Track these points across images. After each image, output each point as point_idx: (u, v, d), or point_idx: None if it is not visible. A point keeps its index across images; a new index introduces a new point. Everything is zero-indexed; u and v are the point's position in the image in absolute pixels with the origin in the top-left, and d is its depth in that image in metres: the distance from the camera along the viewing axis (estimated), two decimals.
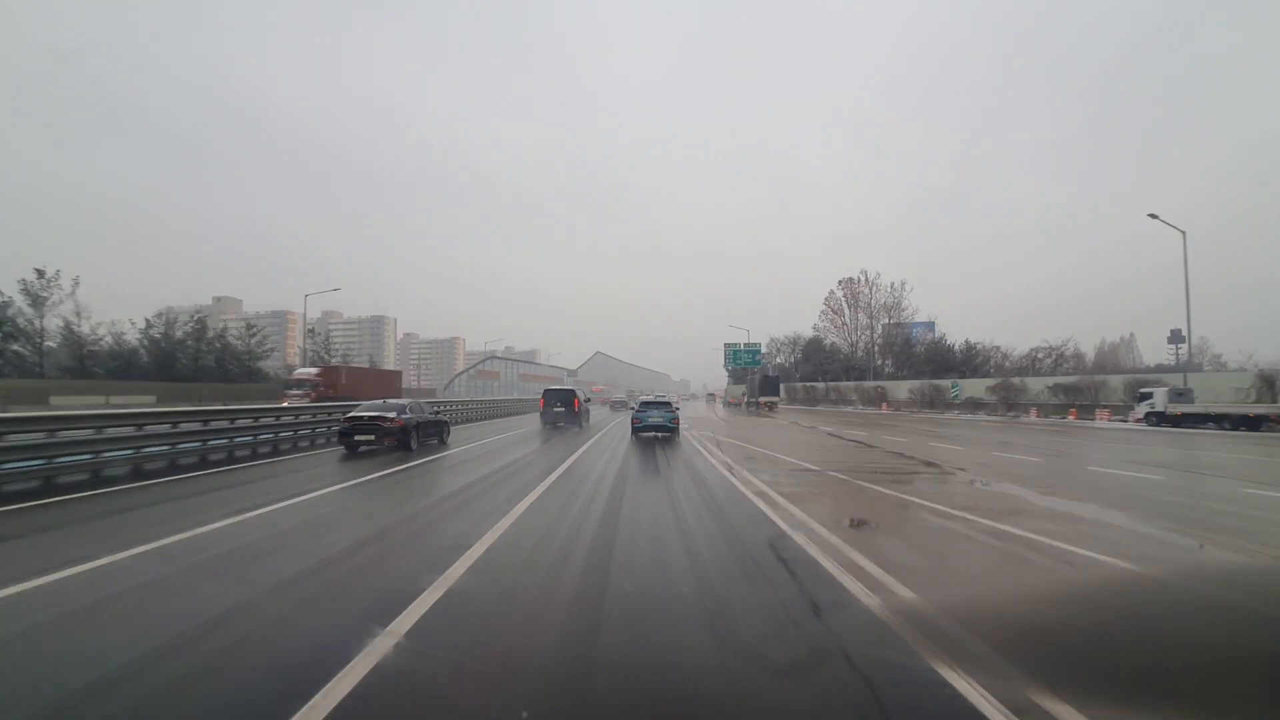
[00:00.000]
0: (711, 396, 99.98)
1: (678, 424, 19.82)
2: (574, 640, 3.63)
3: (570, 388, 29.35)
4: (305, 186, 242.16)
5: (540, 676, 3.18)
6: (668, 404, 20.75)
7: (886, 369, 62.53)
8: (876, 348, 63.55)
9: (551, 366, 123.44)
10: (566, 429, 22.74)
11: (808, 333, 75.69)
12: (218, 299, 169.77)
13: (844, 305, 68.54)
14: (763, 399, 53.21)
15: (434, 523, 7.28)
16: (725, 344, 75.08)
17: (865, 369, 63.55)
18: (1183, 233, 30.07)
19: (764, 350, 76.02)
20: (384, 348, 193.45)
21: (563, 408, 24.67)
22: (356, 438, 14.38)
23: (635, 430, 19.36)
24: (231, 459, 12.61)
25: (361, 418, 14.53)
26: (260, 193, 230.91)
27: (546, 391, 26.23)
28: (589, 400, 34.12)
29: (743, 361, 75.09)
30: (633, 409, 21.49)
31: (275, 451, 14.25)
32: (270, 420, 15.29)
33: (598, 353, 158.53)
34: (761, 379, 57.62)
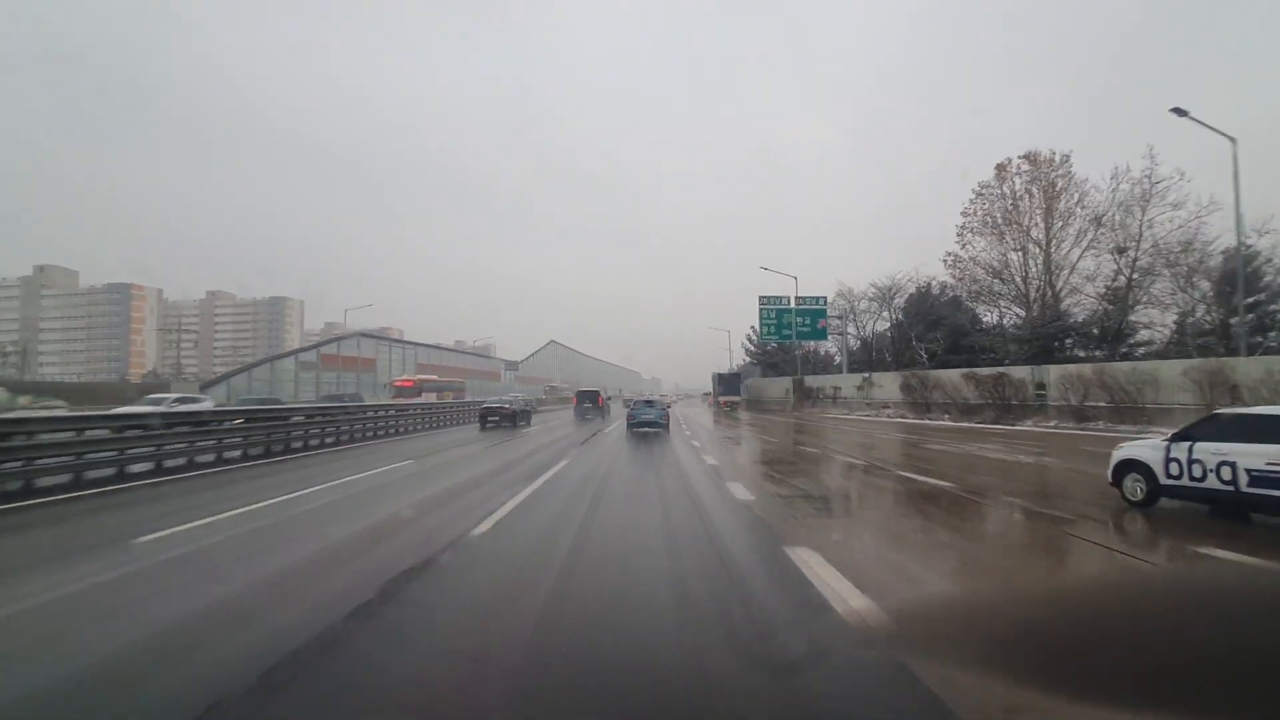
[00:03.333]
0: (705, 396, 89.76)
1: (668, 420, 22.44)
2: (619, 454, 14.40)
3: (596, 389, 37.52)
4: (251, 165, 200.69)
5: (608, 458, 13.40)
6: (656, 403, 23.54)
7: (1145, 334, 28.09)
8: (1138, 282, 28.75)
9: (475, 354, 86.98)
10: (593, 419, 29.91)
11: (924, 273, 41.08)
12: (40, 268, 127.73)
13: (1004, 218, 33.82)
14: (723, 399, 48.02)
15: (548, 445, 16.72)
16: (760, 300, 39.86)
17: (1071, 332, 29.08)
18: (1232, 140, 18.82)
19: (832, 312, 41.11)
20: (282, 335, 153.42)
21: (590, 404, 33.12)
22: (489, 419, 25.03)
23: (630, 426, 21.52)
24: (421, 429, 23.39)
25: (491, 407, 25.85)
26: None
27: (579, 392, 36.15)
28: (609, 398, 45.63)
29: (790, 332, 39.89)
30: (628, 408, 24.78)
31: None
32: None
33: (551, 342, 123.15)
34: (719, 378, 53.14)
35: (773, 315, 39.34)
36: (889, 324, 41.04)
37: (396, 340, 66.70)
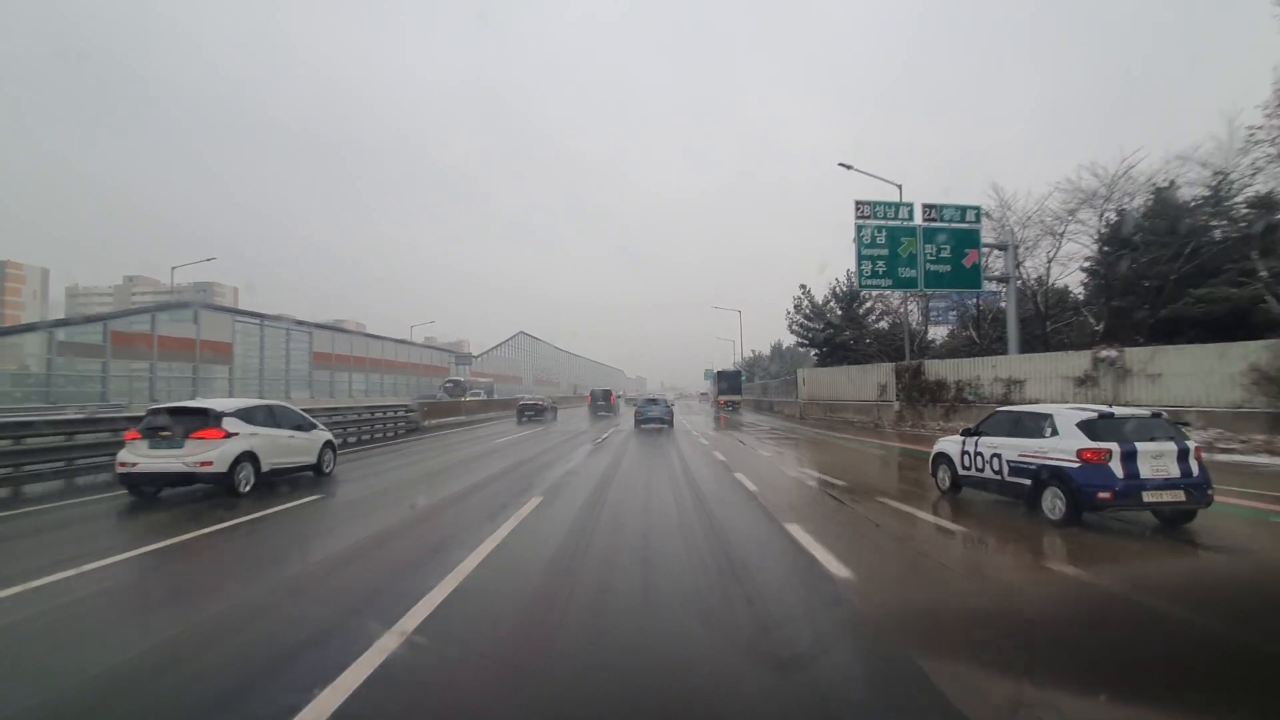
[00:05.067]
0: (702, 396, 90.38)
1: (672, 417, 24.31)
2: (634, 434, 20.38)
3: (609, 388, 40.57)
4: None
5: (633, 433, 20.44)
6: (662, 402, 25.19)
7: None
8: None
9: (408, 344, 66.83)
10: (607, 416, 32.90)
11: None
12: None
13: None
14: (723, 398, 45.82)
15: (586, 428, 23.94)
16: (857, 211, 20.40)
17: None
18: None
19: (988, 221, 21.96)
20: (203, 325, 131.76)
21: (604, 403, 36.08)
22: (526, 413, 30.18)
23: (638, 423, 23.56)
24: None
25: (528, 404, 31.61)
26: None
27: (593, 391, 39.27)
28: (619, 398, 46.14)
29: (914, 274, 20.54)
30: (634, 406, 27.69)
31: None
32: None
33: (520, 333, 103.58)
34: (720, 375, 52.16)
35: (880, 240, 20.11)
36: (1096, 250, 21.80)
37: (270, 316, 46.87)
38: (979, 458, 7.48)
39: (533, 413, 30.16)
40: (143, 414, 8.92)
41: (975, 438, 7.66)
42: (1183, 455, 6.05)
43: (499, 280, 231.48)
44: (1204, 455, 6.38)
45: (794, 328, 33.78)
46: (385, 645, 3.34)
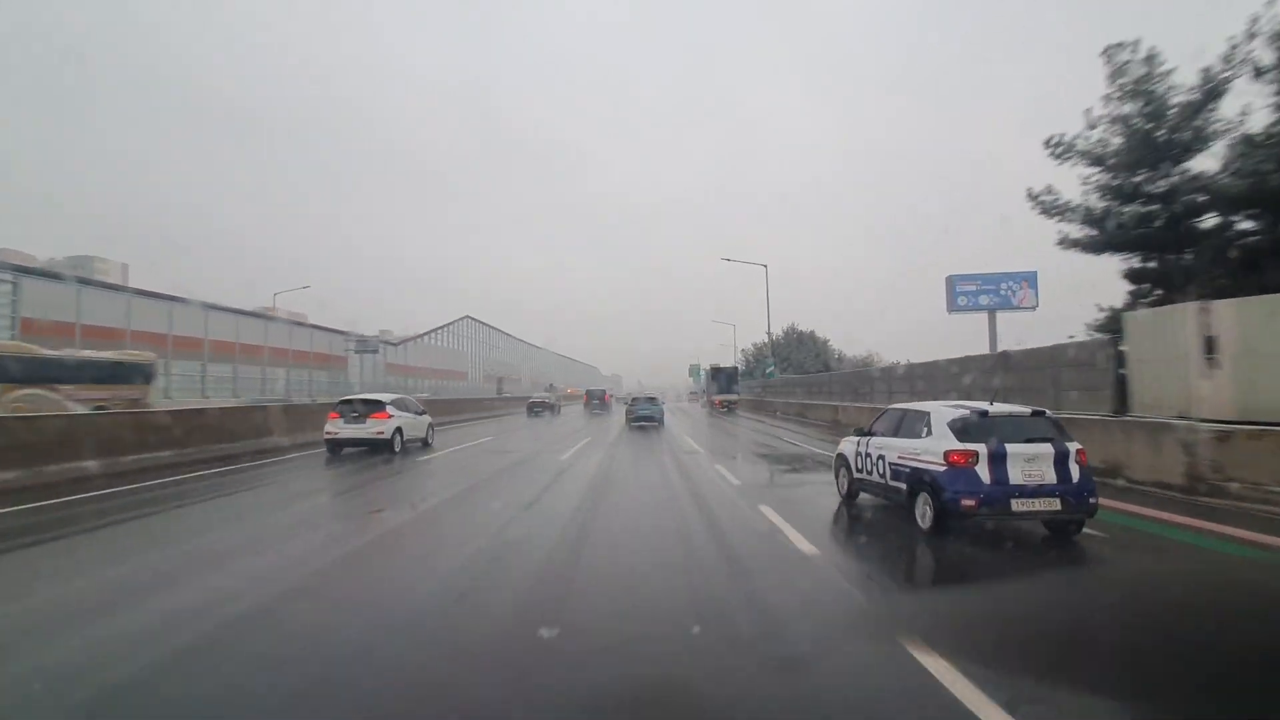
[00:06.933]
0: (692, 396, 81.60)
1: (663, 415, 24.54)
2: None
3: (604, 388, 42.34)
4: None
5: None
6: (659, 401, 25.60)
7: None
8: None
9: (236, 313, 44.23)
10: (602, 414, 35.21)
11: None
12: None
13: None
14: (718, 398, 42.09)
15: (586, 423, 26.13)
16: None
17: None
18: None
19: None
20: (91, 306, 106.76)
21: (599, 402, 38.97)
22: (534, 408, 34.38)
23: (630, 421, 23.53)
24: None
25: (536, 400, 36.20)
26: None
27: (589, 391, 41.62)
28: (614, 397, 47.41)
29: None
30: (626, 404, 27.51)
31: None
32: None
33: (466, 317, 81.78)
34: (715, 372, 46.34)
35: None
36: None
37: None
38: (869, 459, 6.78)
39: (539, 409, 34.90)
40: None
41: (867, 438, 6.91)
42: (1061, 459, 5.33)
43: (470, 278, 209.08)
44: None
45: (1066, 207, 11.18)
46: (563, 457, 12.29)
